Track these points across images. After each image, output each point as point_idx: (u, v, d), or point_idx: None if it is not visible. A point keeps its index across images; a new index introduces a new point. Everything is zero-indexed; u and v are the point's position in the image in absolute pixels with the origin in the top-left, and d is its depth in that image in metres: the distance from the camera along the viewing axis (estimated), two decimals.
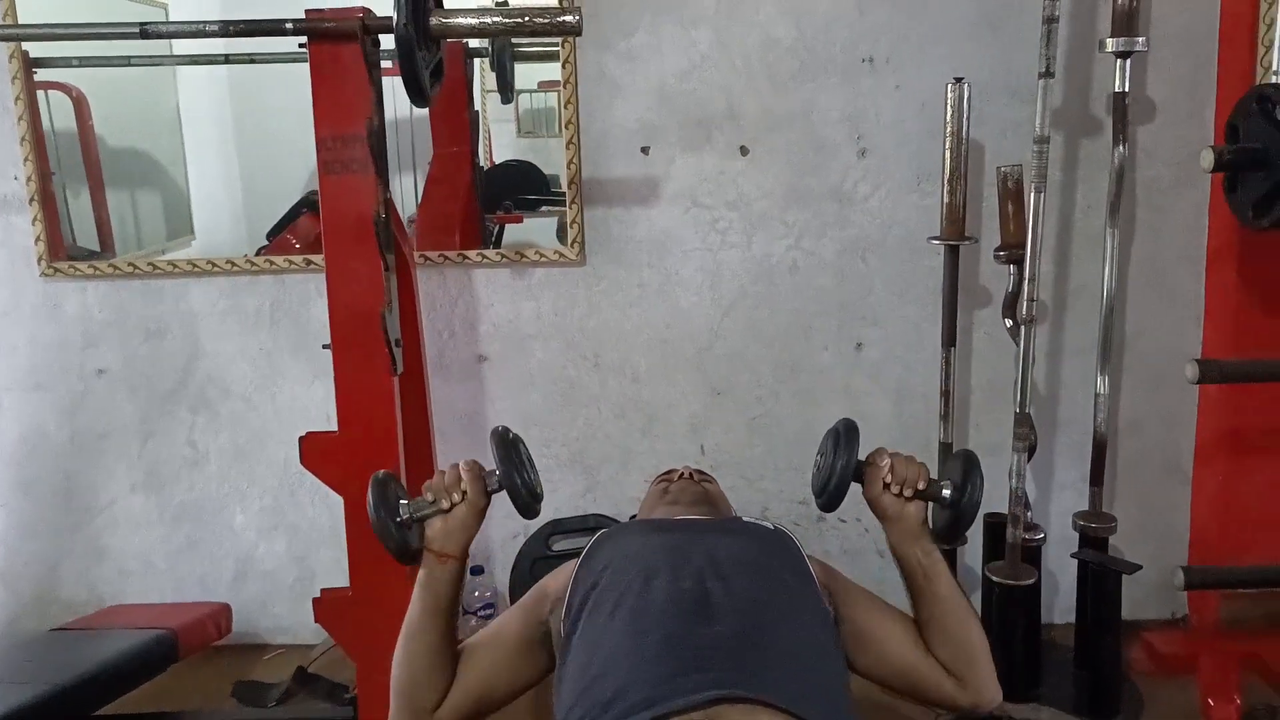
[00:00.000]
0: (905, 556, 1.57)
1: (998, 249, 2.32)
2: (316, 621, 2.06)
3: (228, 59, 2.60)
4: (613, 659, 1.29)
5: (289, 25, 1.83)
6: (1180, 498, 2.67)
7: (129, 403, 2.67)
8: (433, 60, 1.86)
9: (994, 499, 2.54)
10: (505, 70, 2.77)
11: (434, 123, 2.75)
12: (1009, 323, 2.32)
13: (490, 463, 1.63)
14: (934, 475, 1.63)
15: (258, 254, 2.66)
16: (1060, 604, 2.66)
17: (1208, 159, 2.08)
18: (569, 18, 1.82)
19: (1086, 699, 2.35)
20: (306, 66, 1.89)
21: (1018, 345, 2.26)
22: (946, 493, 1.56)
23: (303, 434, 1.99)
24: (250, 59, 2.60)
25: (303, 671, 2.41)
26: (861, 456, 1.63)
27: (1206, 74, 2.45)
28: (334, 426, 2.37)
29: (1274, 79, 2.28)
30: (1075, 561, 2.48)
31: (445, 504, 1.56)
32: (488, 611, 2.58)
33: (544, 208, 2.79)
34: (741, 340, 2.61)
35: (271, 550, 2.75)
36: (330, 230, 1.90)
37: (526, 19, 1.83)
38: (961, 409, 2.57)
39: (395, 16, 1.73)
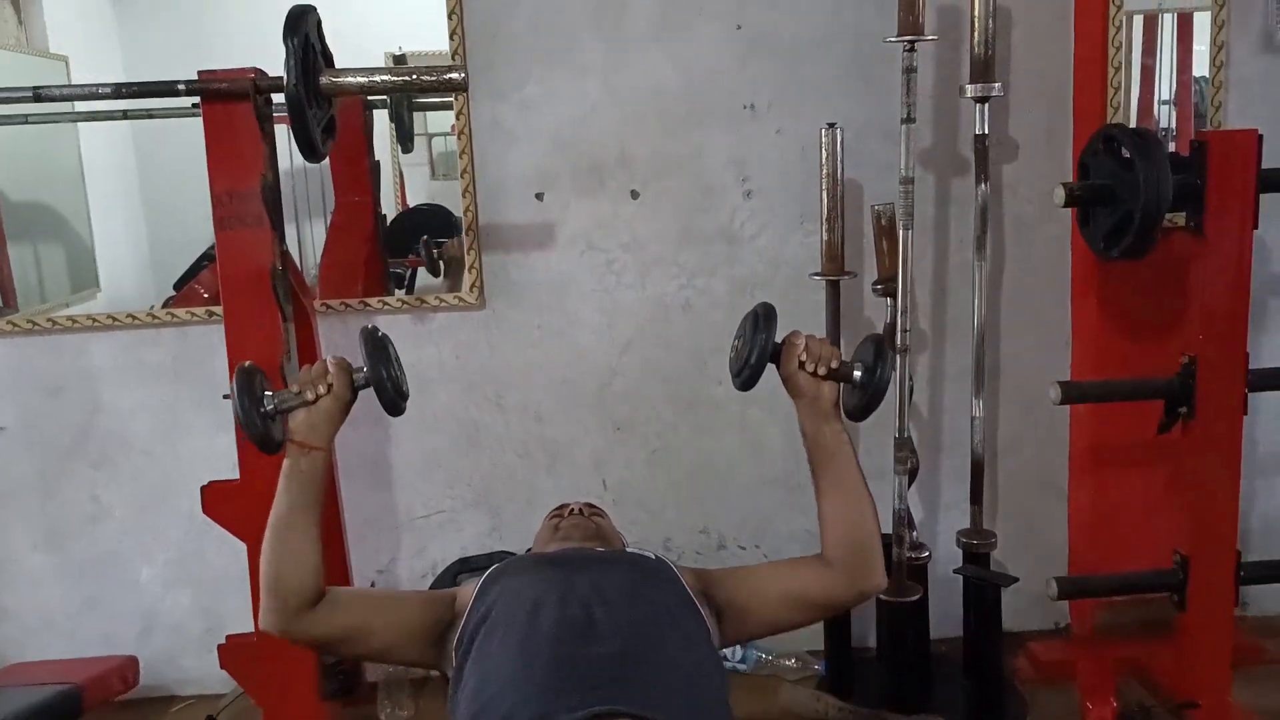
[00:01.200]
0: (815, 435, 1.67)
1: (875, 282, 2.46)
2: (222, 668, 2.08)
3: (126, 114, 2.63)
4: (503, 682, 1.36)
5: (182, 87, 1.89)
6: (1058, 513, 2.81)
7: (28, 460, 2.66)
8: (324, 117, 1.93)
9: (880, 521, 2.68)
10: (403, 121, 2.85)
11: (335, 173, 2.81)
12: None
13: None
14: None
15: (165, 305, 2.68)
16: (949, 617, 2.78)
17: (1060, 195, 2.24)
18: (455, 75, 1.91)
19: (974, 707, 2.47)
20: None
21: (894, 373, 2.39)
22: (858, 373, 1.65)
23: (204, 483, 2.01)
24: (149, 114, 2.63)
25: None
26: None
27: (1063, 116, 2.62)
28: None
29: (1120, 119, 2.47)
30: (958, 578, 2.63)
31: (310, 395, 1.60)
32: None
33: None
34: (639, 377, 2.70)
35: (178, 602, 2.75)
36: (228, 283, 1.95)
37: (414, 77, 1.92)
38: (851, 435, 2.69)
39: (285, 78, 1.80)
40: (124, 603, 2.73)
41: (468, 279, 2.61)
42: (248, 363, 1.64)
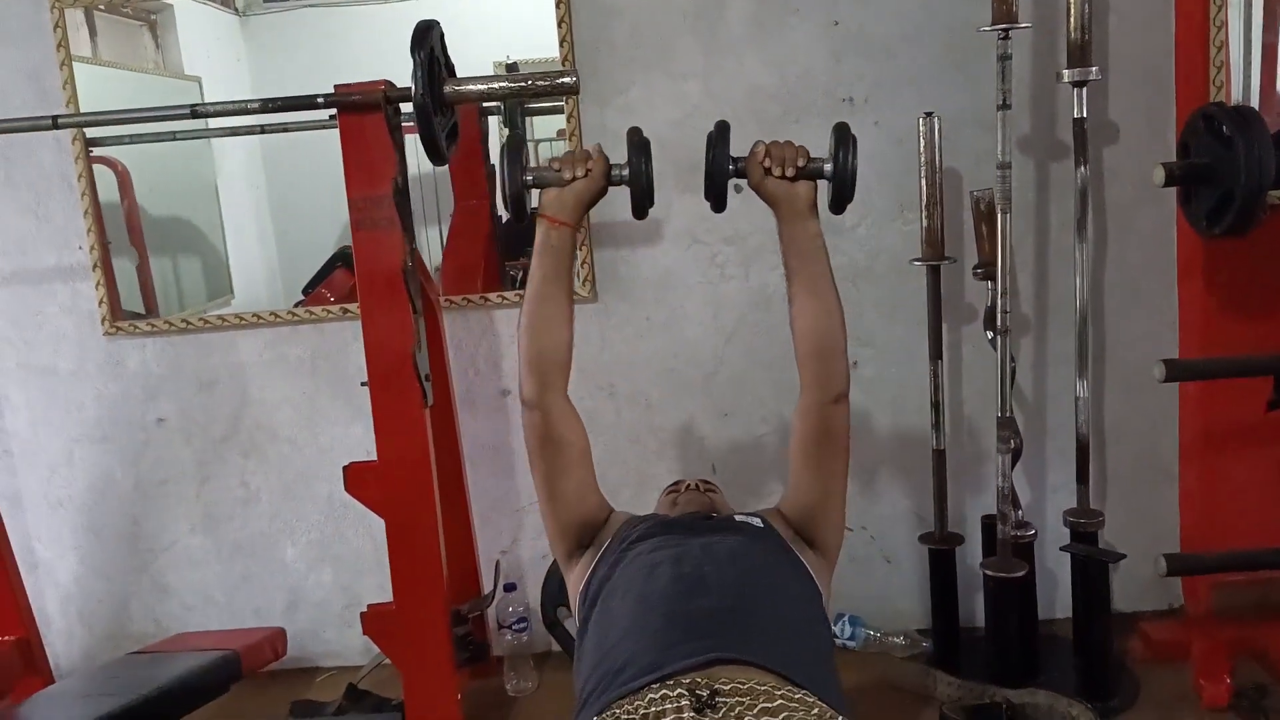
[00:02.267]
0: (793, 237, 1.78)
1: (975, 267, 2.51)
2: (365, 634, 2.26)
3: (263, 129, 2.85)
4: (622, 635, 1.49)
5: (320, 100, 2.07)
6: (1168, 494, 2.82)
7: (186, 450, 2.91)
8: (448, 124, 2.10)
9: (989, 501, 2.73)
10: (516, 126, 3.01)
11: (454, 178, 2.99)
12: (990, 334, 2.51)
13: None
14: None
15: (294, 308, 2.90)
16: (1061, 599, 2.81)
17: (1159, 175, 2.27)
18: (567, 79, 2.05)
19: (1083, 684, 2.50)
20: (333, 134, 2.13)
21: (997, 355, 2.45)
22: (827, 166, 1.74)
23: (345, 464, 2.20)
24: (283, 128, 2.84)
25: (353, 688, 2.61)
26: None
27: (1164, 98, 2.63)
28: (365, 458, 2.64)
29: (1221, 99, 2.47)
30: (1068, 557, 2.66)
31: (568, 175, 1.79)
32: (521, 625, 2.77)
33: None
34: (744, 365, 2.81)
35: (320, 580, 2.97)
36: (363, 280, 2.13)
37: (530, 83, 2.07)
38: (955, 418, 2.75)
39: (413, 88, 1.97)
40: (272, 580, 2.96)
41: (581, 273, 2.75)
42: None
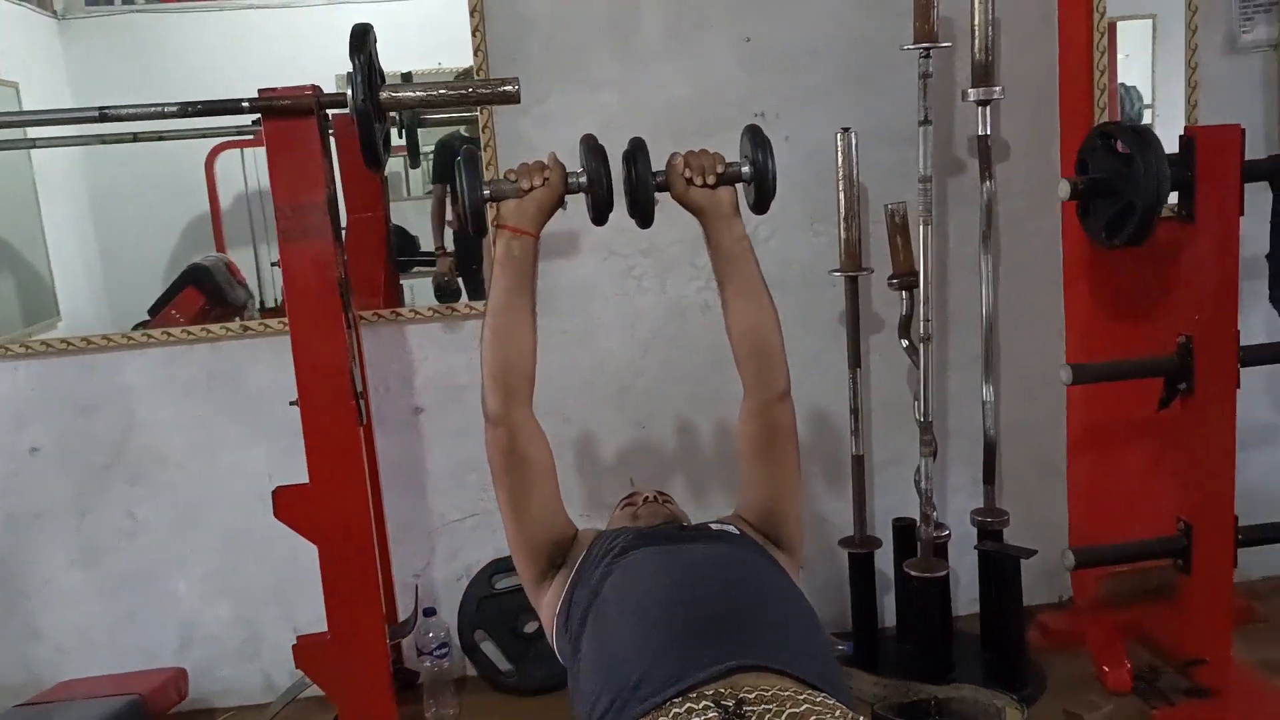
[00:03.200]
0: (719, 242, 1.81)
1: (890, 277, 2.59)
2: (297, 667, 2.14)
3: (101, 139, 2.68)
4: (632, 649, 1.45)
5: (246, 104, 1.96)
6: (1056, 491, 2.98)
7: (63, 479, 2.69)
8: (384, 131, 2.02)
9: (903, 504, 2.82)
10: (414, 136, 2.94)
11: (346, 190, 2.87)
12: (905, 343, 2.59)
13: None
14: None
15: (134, 330, 2.71)
16: (962, 596, 2.92)
17: (1064, 189, 2.40)
18: (509, 87, 2.01)
19: (995, 676, 2.60)
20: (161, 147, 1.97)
21: (916, 363, 2.53)
22: (746, 169, 1.78)
23: (276, 488, 2.08)
24: (116, 139, 2.67)
25: None
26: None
27: (1049, 117, 2.80)
28: (274, 487, 2.48)
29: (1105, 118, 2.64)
30: (974, 555, 2.77)
31: (526, 184, 1.76)
32: (442, 651, 2.68)
33: (415, 268, 3.05)
34: (660, 377, 2.81)
35: (215, 615, 2.79)
36: (293, 293, 2.02)
37: (470, 90, 2.01)
38: (864, 424, 2.83)
39: (352, 93, 1.88)
40: (162, 616, 2.77)
41: None
42: (472, 147, 1.80)
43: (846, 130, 2.50)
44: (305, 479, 2.11)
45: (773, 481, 1.85)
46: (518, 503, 1.79)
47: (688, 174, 1.80)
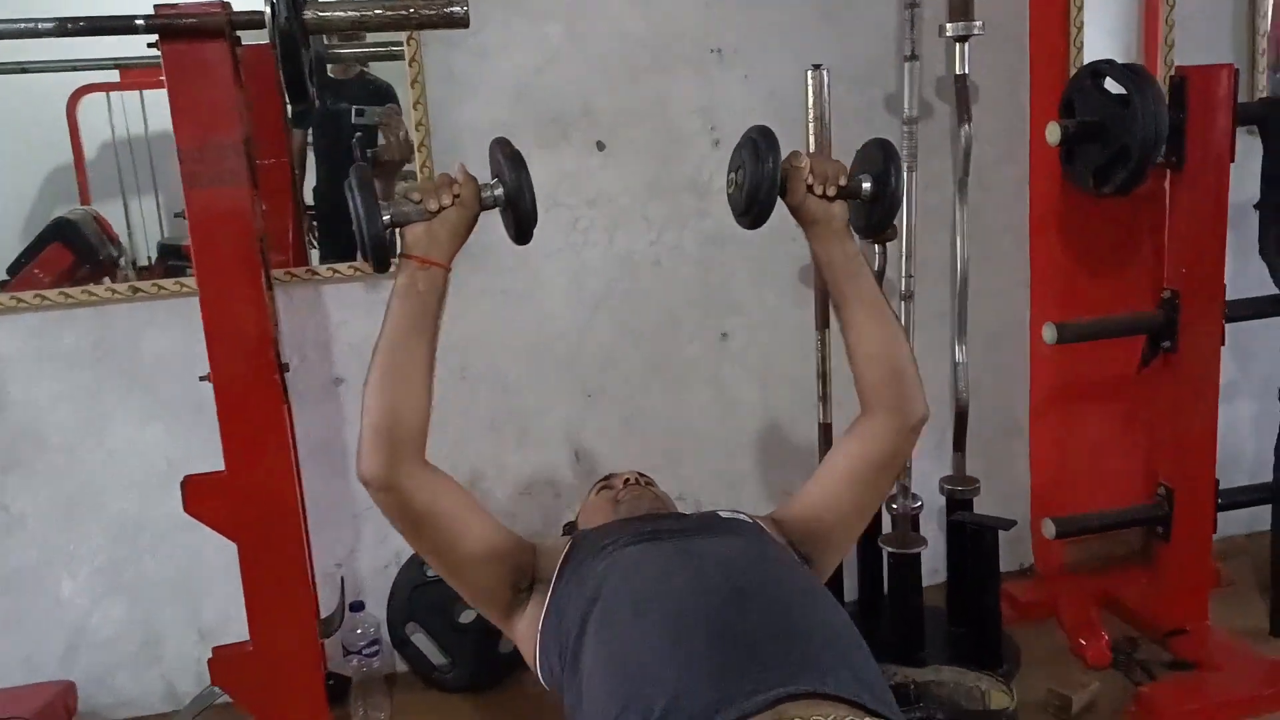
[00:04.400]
0: (831, 260, 1.58)
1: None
2: (214, 684, 1.85)
3: None
4: (651, 666, 1.22)
5: (140, 22, 1.63)
6: (1018, 455, 2.86)
7: None
8: (310, 58, 1.71)
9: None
10: (325, 72, 2.60)
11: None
12: None
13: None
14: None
15: None
16: (925, 567, 2.77)
17: (1054, 133, 2.23)
18: (457, 9, 1.72)
19: (967, 653, 2.46)
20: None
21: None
22: (867, 185, 1.55)
23: (185, 477, 1.77)
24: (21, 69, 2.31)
25: None
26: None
27: (1020, 59, 2.62)
28: (174, 470, 2.16)
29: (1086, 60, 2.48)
30: (937, 523, 2.62)
31: (434, 205, 1.47)
32: (372, 649, 2.41)
33: None
34: (610, 339, 2.57)
35: (107, 617, 2.45)
36: (202, 249, 1.71)
37: (412, 11, 1.71)
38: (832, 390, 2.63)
39: (273, 9, 1.57)
40: (44, 621, 2.41)
41: None
42: (363, 165, 1.49)
43: (818, 67, 2.27)
44: (214, 463, 1.81)
45: (852, 506, 1.64)
46: (445, 558, 1.54)
47: (810, 180, 1.54)
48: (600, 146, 2.48)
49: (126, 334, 2.34)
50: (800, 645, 1.23)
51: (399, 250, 1.50)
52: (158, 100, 2.30)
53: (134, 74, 2.41)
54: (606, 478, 1.85)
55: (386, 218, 1.45)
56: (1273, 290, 2.40)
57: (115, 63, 2.41)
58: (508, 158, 1.53)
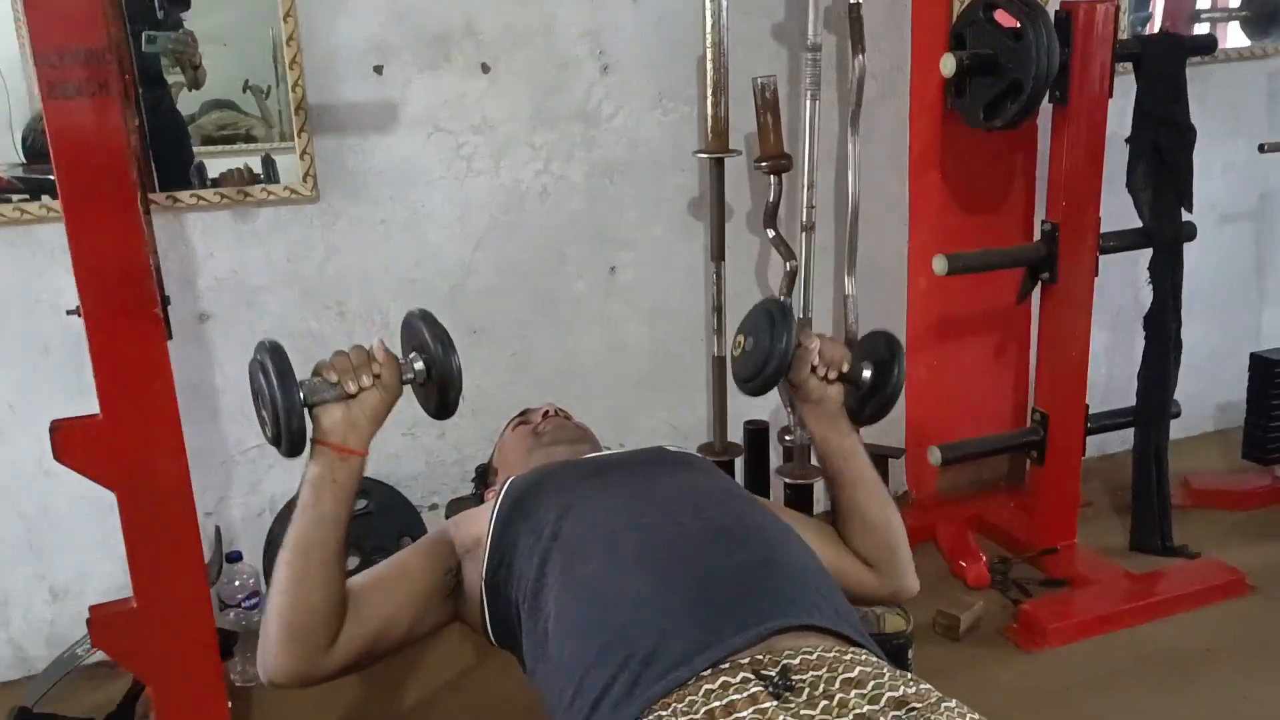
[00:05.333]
0: (825, 440, 1.54)
1: (758, 159, 2.36)
2: (95, 646, 1.70)
3: None
4: (636, 606, 1.17)
5: None
6: None
7: None
8: None
9: (748, 407, 2.65)
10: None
11: None
12: (771, 233, 2.38)
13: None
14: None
15: None
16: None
17: (949, 65, 2.24)
18: None
19: None
20: None
21: (784, 255, 2.33)
22: (866, 374, 1.53)
23: (55, 422, 1.60)
24: None
25: (26, 713, 2.01)
26: None
27: None
28: (17, 418, 2.16)
29: None
30: None
31: (352, 387, 1.31)
32: (252, 602, 2.27)
33: None
34: (496, 274, 2.47)
35: None
36: (68, 169, 1.52)
37: None
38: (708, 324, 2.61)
39: None
40: None
41: (299, 167, 2.24)
42: (272, 340, 1.30)
43: None
44: (65, 409, 1.64)
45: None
46: (395, 648, 1.41)
47: (815, 361, 1.48)
48: (485, 69, 2.35)
49: None
50: (783, 581, 1.21)
51: (310, 434, 1.31)
52: None
53: None
54: (522, 413, 1.77)
55: (301, 395, 1.28)
56: (1136, 223, 2.50)
57: None
58: (435, 337, 1.39)
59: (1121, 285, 2.99)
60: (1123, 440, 2.95)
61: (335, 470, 1.30)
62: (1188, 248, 2.54)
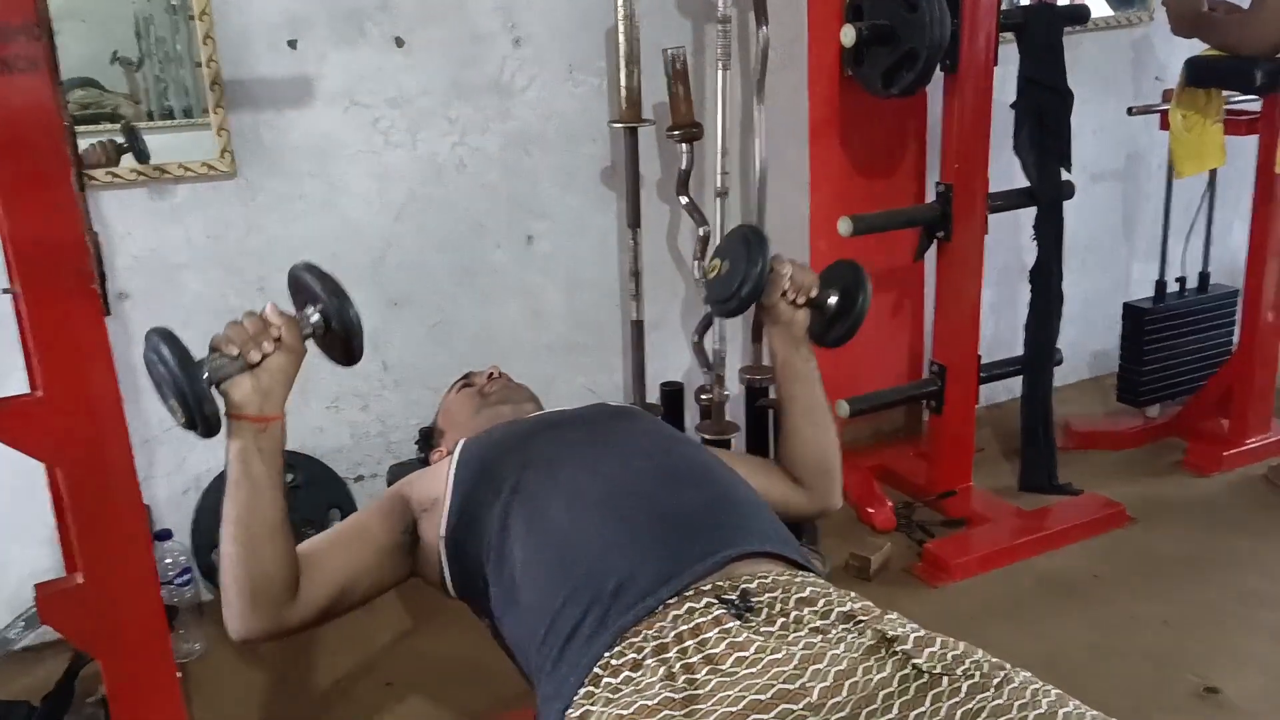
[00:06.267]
0: (787, 362, 1.64)
1: (670, 128, 2.44)
2: (44, 623, 1.69)
3: None
4: (596, 551, 1.25)
5: None
6: None
7: None
8: None
9: (665, 369, 2.75)
10: None
11: None
12: (685, 200, 2.47)
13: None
14: None
15: None
16: None
17: (849, 35, 2.36)
18: None
19: None
20: None
21: (697, 220, 2.43)
22: (833, 300, 1.62)
23: None
24: None
25: None
26: None
27: None
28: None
29: None
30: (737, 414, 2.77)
31: (255, 355, 1.32)
32: (185, 579, 2.28)
33: None
34: (416, 246, 2.50)
35: None
36: (3, 145, 1.52)
37: None
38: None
39: None
40: None
41: (216, 142, 2.23)
42: (161, 327, 1.31)
43: None
44: None
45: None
46: (355, 605, 1.47)
47: (787, 286, 1.55)
48: (399, 43, 2.38)
49: None
50: (733, 514, 1.31)
51: (224, 410, 1.33)
52: None
53: None
54: (465, 376, 1.83)
55: (205, 374, 1.29)
56: (1023, 184, 2.67)
57: None
58: (327, 289, 1.41)
59: (1004, 244, 3.18)
60: (1008, 389, 3.16)
61: (258, 440, 1.33)
62: (1065, 206, 2.73)
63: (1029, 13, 2.64)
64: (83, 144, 2.21)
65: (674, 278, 2.77)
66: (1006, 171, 2.73)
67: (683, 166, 2.45)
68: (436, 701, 2.12)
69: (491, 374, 1.78)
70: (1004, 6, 2.73)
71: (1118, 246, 3.49)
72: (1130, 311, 3.07)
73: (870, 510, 2.70)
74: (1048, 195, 2.65)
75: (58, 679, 2.05)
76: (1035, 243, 2.71)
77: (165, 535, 2.28)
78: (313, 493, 2.47)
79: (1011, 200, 2.64)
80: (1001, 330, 3.24)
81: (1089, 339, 3.45)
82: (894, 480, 2.91)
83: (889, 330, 3.01)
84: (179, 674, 1.96)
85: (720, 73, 2.32)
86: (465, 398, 1.74)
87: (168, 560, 2.26)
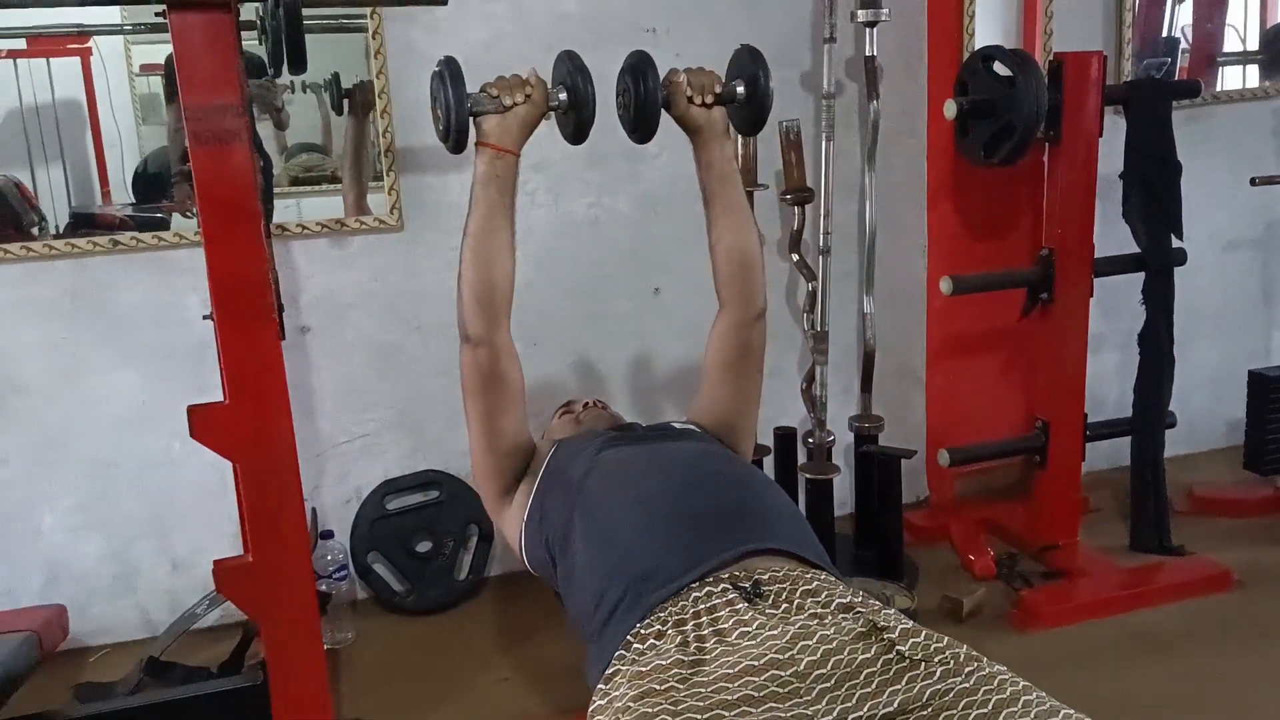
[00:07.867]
0: (710, 162, 1.81)
1: (784, 193, 2.67)
2: (218, 592, 2.05)
3: None
4: (636, 543, 1.48)
5: None
6: (915, 397, 3.19)
7: None
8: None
9: (778, 414, 2.94)
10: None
11: None
12: (795, 257, 2.69)
13: None
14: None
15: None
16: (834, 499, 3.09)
17: (950, 109, 2.54)
18: None
19: (875, 571, 2.78)
20: None
21: (806, 276, 2.64)
22: (740, 89, 1.78)
23: (191, 406, 1.96)
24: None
25: (155, 662, 2.37)
26: None
27: (919, 43, 2.93)
28: (148, 413, 2.52)
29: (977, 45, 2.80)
30: (848, 460, 2.94)
31: (509, 100, 1.71)
32: (341, 574, 2.63)
33: None
34: (552, 295, 2.81)
35: (83, 551, 2.62)
36: (208, 201, 1.90)
37: None
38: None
39: None
40: (25, 554, 2.58)
41: (387, 201, 2.61)
42: (453, 58, 1.71)
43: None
44: (182, 405, 1.99)
45: (736, 397, 1.89)
46: (492, 421, 1.79)
47: (689, 92, 1.78)
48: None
49: (102, 285, 2.50)
50: (756, 516, 1.51)
51: (475, 139, 1.73)
52: (65, 69, 2.47)
53: (42, 42, 2.46)
54: (567, 403, 2.10)
55: (469, 105, 1.69)
56: (1134, 250, 2.76)
57: (23, 32, 2.43)
58: (576, 69, 1.77)
59: (1133, 310, 3.23)
60: None
61: (495, 166, 1.73)
62: (1195, 273, 2.78)
63: (1135, 88, 2.74)
64: (309, 206, 2.66)
65: (791, 329, 2.97)
66: (1120, 237, 2.82)
67: (794, 227, 2.67)
68: (544, 696, 2.37)
69: (588, 403, 2.04)
70: (1110, 81, 2.87)
71: (1256, 315, 3.47)
72: (1256, 379, 3.06)
73: (971, 557, 2.81)
74: (1158, 261, 2.72)
75: (231, 650, 2.41)
76: (1143, 306, 2.78)
77: (328, 535, 2.64)
78: (454, 508, 2.79)
79: (1118, 266, 2.73)
80: (1127, 393, 3.27)
81: (1222, 407, 3.42)
82: (1001, 533, 3.00)
83: (1000, 386, 3.11)
84: (330, 654, 2.29)
85: (825, 143, 2.53)
86: (564, 422, 2.01)
87: (328, 557, 2.62)
